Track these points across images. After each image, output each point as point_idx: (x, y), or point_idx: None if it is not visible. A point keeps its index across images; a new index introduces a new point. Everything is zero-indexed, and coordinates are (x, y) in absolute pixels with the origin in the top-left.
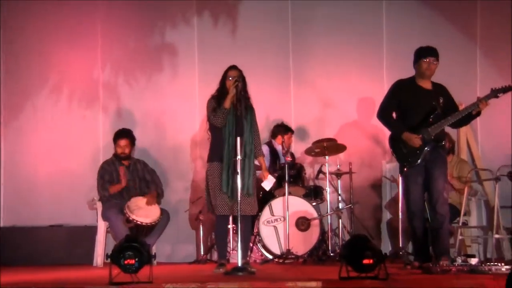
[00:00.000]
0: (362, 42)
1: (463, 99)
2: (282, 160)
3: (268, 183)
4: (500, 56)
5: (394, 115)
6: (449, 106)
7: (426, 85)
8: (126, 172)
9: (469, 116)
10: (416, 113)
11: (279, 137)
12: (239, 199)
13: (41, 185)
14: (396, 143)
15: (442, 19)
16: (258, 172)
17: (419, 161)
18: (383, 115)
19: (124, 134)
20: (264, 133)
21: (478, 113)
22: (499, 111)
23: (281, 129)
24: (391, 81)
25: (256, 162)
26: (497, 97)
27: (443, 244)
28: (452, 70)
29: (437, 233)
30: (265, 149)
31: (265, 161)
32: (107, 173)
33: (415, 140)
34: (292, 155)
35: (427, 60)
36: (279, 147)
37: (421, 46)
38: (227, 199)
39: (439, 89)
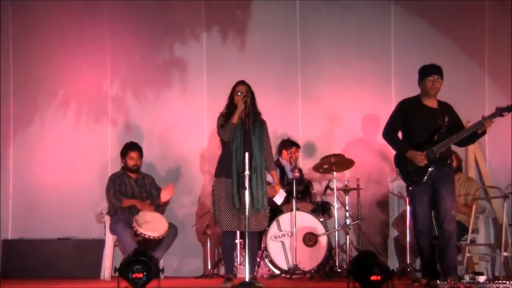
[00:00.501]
0: (370, 58)
1: (471, 118)
2: (290, 176)
3: (279, 197)
4: (508, 74)
5: (400, 134)
6: (454, 124)
7: (432, 103)
8: (136, 189)
9: (474, 135)
10: (421, 131)
11: (284, 152)
12: (249, 214)
13: (49, 198)
14: (402, 162)
15: (451, 37)
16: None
17: (424, 179)
18: (388, 134)
19: (135, 146)
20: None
21: (484, 132)
22: (507, 129)
23: (285, 144)
24: (399, 97)
25: (269, 176)
26: (502, 115)
27: (451, 261)
28: (460, 88)
29: (444, 250)
30: None
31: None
32: (117, 184)
33: (420, 157)
34: (300, 170)
35: (431, 78)
36: (286, 164)
37: (424, 64)
38: (233, 215)
39: (445, 108)
